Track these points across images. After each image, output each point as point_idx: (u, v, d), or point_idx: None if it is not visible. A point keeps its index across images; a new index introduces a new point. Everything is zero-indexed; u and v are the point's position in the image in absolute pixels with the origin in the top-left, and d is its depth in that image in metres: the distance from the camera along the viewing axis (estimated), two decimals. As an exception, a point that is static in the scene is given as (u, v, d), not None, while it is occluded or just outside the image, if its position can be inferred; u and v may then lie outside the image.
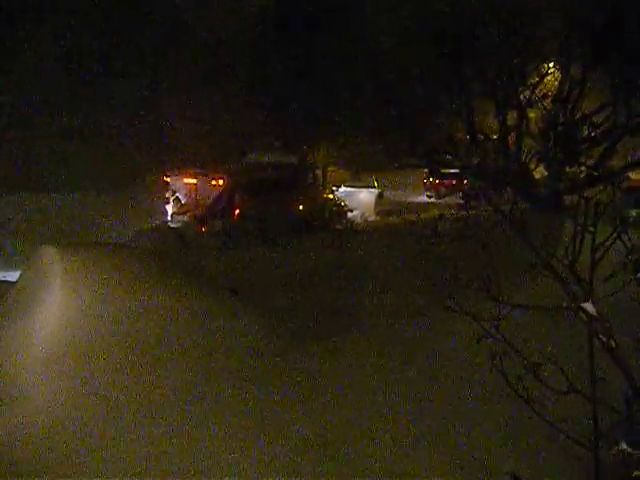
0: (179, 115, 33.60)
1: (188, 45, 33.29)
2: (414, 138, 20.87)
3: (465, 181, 33.85)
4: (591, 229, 4.87)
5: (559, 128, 18.02)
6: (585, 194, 5.21)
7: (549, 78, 18.75)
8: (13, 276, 13.27)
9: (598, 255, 4.88)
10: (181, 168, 27.73)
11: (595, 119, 17.65)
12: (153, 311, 9.50)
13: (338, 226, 24.53)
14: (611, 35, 16.50)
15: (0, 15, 29.51)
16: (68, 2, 31.50)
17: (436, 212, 19.58)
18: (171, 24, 33.13)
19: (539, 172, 19.36)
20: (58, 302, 9.27)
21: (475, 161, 19.63)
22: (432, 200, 36.67)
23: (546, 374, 5.19)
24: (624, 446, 4.96)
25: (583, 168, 18.16)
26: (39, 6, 30.68)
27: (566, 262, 4.96)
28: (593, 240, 4.86)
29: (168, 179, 27.12)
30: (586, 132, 17.81)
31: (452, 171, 34.47)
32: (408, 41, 20.72)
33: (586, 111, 18.01)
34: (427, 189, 38.87)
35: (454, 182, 35.88)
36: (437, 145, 20.65)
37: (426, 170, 37.11)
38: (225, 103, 32.70)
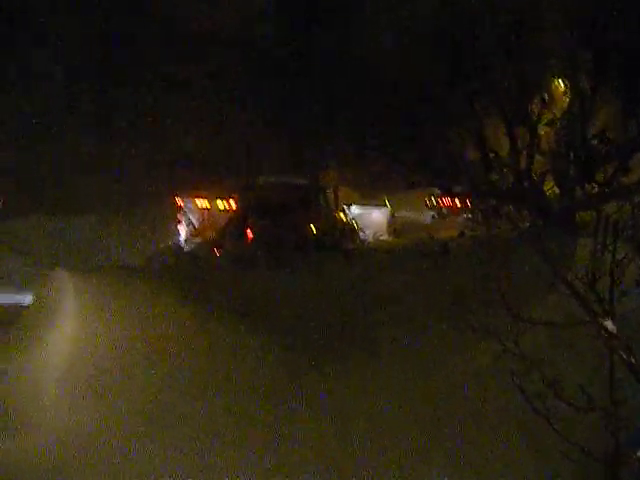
0: (190, 137, 33.70)
1: (199, 66, 33.43)
2: (424, 157, 20.83)
3: (469, 201, 33.85)
4: (610, 247, 4.83)
5: (571, 145, 17.96)
6: (600, 211, 5.16)
7: (559, 93, 18.70)
8: (27, 299, 13.27)
9: (617, 273, 4.84)
10: (193, 190, 27.75)
11: (607, 135, 17.58)
12: (166, 334, 9.49)
13: (350, 246, 24.49)
14: (619, 49, 16.48)
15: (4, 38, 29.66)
16: (73, 27, 31.68)
17: (452, 231, 19.49)
18: (181, 46, 33.28)
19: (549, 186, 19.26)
20: (71, 326, 9.29)
21: (486, 179, 19.58)
22: (442, 218, 36.43)
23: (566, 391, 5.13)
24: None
25: (595, 185, 18.09)
26: (42, 29, 30.86)
27: (585, 280, 4.92)
28: (613, 258, 4.82)
29: (180, 201, 27.14)
30: (599, 148, 17.73)
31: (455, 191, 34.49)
32: (417, 57, 20.72)
33: (598, 127, 17.94)
34: (429, 209, 38.40)
35: (458, 202, 35.87)
36: (447, 164, 20.61)
37: (429, 191, 37.05)
38: (236, 124, 32.79)
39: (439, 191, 35.87)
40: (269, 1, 33.36)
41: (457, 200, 35.04)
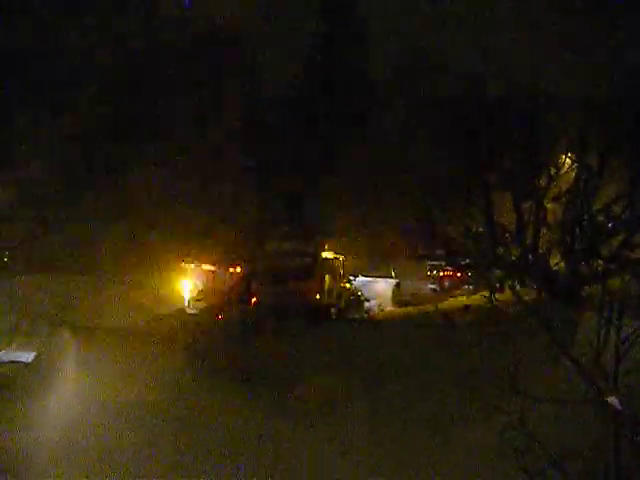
0: (197, 202, 33.92)
1: (204, 134, 33.83)
2: (431, 229, 20.92)
3: (469, 273, 33.90)
4: (616, 323, 4.81)
5: (577, 219, 18.02)
6: (606, 285, 5.15)
7: (566, 168, 18.85)
8: (28, 357, 13.20)
9: (623, 349, 4.81)
10: (200, 256, 27.82)
11: (613, 209, 17.65)
12: (167, 397, 9.43)
13: (355, 316, 24.42)
14: (627, 126, 16.68)
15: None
16: (83, 83, 32.13)
17: (457, 302, 19.44)
18: (188, 118, 33.73)
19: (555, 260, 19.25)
20: (71, 386, 9.23)
21: (493, 252, 19.60)
22: (443, 291, 36.05)
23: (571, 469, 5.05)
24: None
25: (601, 260, 18.09)
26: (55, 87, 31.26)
27: (590, 355, 4.88)
28: (618, 334, 4.79)
29: (186, 265, 27.19)
30: (604, 223, 17.78)
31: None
32: (424, 131, 21.00)
33: (604, 201, 18.02)
34: (431, 281, 37.96)
35: (459, 274, 35.84)
36: (454, 237, 20.69)
37: (429, 262, 37.05)
38: (243, 191, 33.03)
39: (440, 263, 35.99)
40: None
41: (458, 273, 35.17)
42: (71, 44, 31.40)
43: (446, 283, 36.40)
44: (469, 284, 34.13)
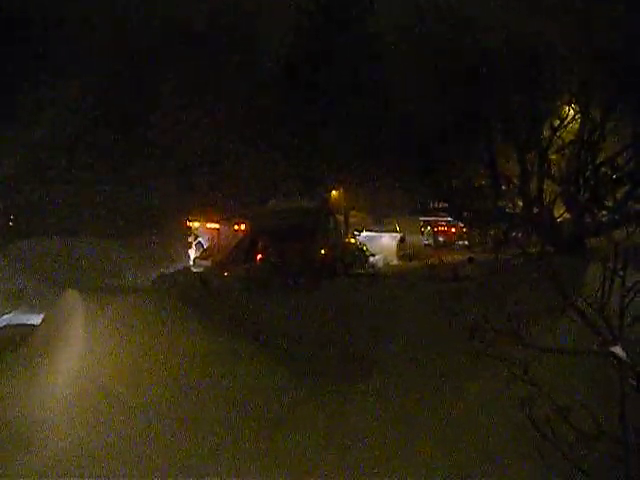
0: (201, 161, 33.92)
1: (209, 91, 33.68)
2: (434, 182, 20.92)
3: (464, 229, 34.07)
4: (620, 273, 4.83)
5: (581, 171, 18.00)
6: (610, 237, 5.18)
7: (570, 119, 18.74)
8: (36, 319, 13.30)
9: (627, 299, 4.83)
10: (203, 213, 27.85)
11: (617, 160, 17.61)
12: (175, 355, 9.50)
13: (360, 271, 24.50)
14: (631, 75, 16.56)
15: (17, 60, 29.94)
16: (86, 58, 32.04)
17: (459, 256, 19.49)
18: (193, 71, 33.56)
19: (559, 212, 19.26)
20: (80, 346, 9.29)
21: (497, 205, 19.61)
22: (438, 246, 35.94)
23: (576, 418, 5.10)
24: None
25: (605, 211, 18.09)
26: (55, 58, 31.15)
27: (595, 306, 4.91)
28: (623, 284, 4.82)
29: (191, 224, 27.24)
30: (609, 174, 17.75)
31: (449, 219, 34.73)
32: (428, 83, 20.85)
33: (608, 153, 17.96)
34: (425, 237, 37.94)
35: (453, 230, 35.93)
36: (458, 189, 20.69)
37: (422, 218, 37.17)
38: (246, 149, 32.97)
39: (434, 218, 36.09)
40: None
41: (452, 228, 35.32)
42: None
43: (440, 238, 36.56)
44: (463, 239, 34.40)
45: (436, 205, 24.79)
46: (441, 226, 36.70)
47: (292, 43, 33.72)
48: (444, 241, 36.07)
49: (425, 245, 36.10)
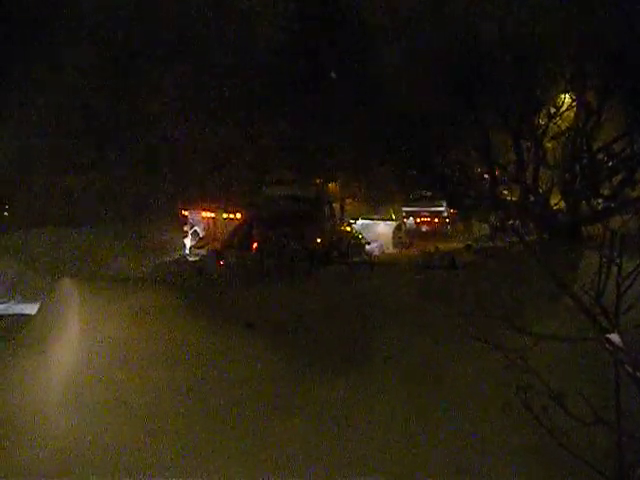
0: (196, 149, 33.85)
1: (203, 78, 33.59)
2: (429, 170, 20.91)
3: (447, 220, 34.04)
4: (617, 261, 4.83)
5: (577, 158, 17.99)
6: (606, 224, 5.19)
7: (565, 107, 18.72)
8: (32, 309, 13.28)
9: (623, 286, 4.84)
10: (199, 201, 27.84)
11: (613, 148, 17.61)
12: (170, 344, 9.50)
13: (356, 259, 24.52)
14: (625, 62, 16.55)
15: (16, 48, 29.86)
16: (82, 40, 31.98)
17: (455, 244, 19.50)
18: (187, 59, 33.44)
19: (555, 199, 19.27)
20: (76, 336, 9.28)
21: (493, 193, 19.62)
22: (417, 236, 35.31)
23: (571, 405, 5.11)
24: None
25: (601, 199, 18.10)
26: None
27: (591, 293, 4.92)
28: (619, 272, 4.82)
29: (186, 212, 27.24)
30: (604, 161, 17.75)
31: (434, 209, 34.69)
32: (422, 71, 20.85)
33: (604, 140, 17.96)
34: (406, 230, 37.00)
35: (436, 220, 35.85)
36: (452, 176, 20.68)
37: (405, 208, 37.06)
38: (241, 136, 32.92)
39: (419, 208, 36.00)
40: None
41: (435, 218, 35.23)
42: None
43: (423, 228, 36.50)
44: (446, 231, 34.41)
45: (429, 194, 24.77)
46: (424, 217, 36.66)
47: (286, 28, 33.69)
48: (427, 231, 35.95)
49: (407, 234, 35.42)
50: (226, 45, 33.69)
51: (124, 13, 33.28)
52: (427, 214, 36.31)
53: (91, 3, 32.36)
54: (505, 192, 20.00)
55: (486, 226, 21.48)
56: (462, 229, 32.98)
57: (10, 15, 29.94)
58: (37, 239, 26.44)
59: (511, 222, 18.33)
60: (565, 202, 18.58)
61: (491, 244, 18.00)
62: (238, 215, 25.22)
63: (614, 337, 4.80)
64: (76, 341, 9.21)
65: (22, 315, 14.94)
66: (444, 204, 34.38)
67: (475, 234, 26.37)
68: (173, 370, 9.04)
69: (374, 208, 38.52)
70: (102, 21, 32.52)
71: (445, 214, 35.77)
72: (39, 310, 10.86)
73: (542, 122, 18.57)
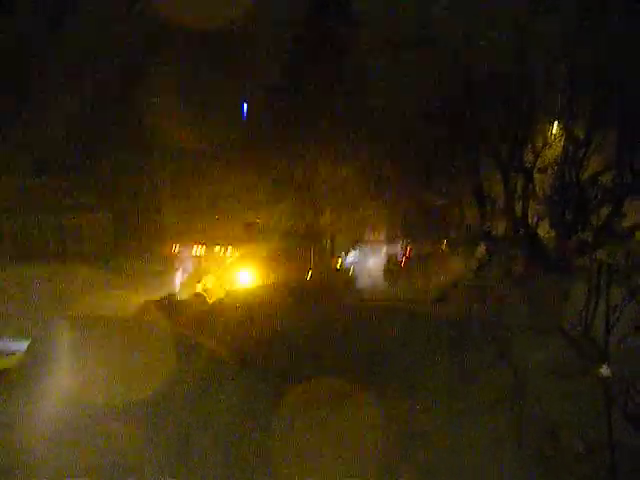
0: (187, 186, 33.78)
1: (195, 115, 33.63)
2: (420, 205, 20.93)
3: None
4: (605, 293, 4.84)
5: (566, 190, 18.04)
6: (594, 256, 5.21)
7: (553, 139, 18.80)
8: (22, 346, 13.19)
9: (612, 319, 4.84)
10: (190, 238, 27.77)
11: (601, 180, 17.67)
12: (161, 379, 9.45)
13: (346, 293, 24.42)
14: (613, 97, 16.68)
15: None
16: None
17: (444, 277, 19.46)
18: (178, 89, 33.47)
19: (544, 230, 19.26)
20: (64, 375, 9.23)
21: (482, 226, 19.63)
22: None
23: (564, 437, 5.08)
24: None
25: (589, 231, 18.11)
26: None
27: (579, 327, 4.92)
28: (607, 304, 4.83)
29: (177, 249, 27.16)
30: (592, 193, 17.79)
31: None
32: (412, 110, 20.95)
33: (592, 171, 18.02)
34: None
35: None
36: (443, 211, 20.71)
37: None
38: (231, 172, 32.89)
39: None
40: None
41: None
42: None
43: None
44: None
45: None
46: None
47: (284, 65, 33.85)
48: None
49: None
50: (222, 83, 33.83)
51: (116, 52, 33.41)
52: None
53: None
54: (492, 226, 19.97)
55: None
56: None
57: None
58: (28, 275, 26.31)
59: (499, 256, 18.33)
60: (554, 234, 18.60)
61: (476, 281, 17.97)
62: (228, 252, 25.18)
63: (604, 370, 4.79)
64: (66, 378, 9.16)
65: (11, 352, 14.82)
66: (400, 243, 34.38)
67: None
68: (164, 406, 8.99)
69: (365, 243, 38.43)
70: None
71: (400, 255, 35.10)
72: (30, 347, 10.80)
73: (530, 155, 18.64)
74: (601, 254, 14.15)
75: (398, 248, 36.69)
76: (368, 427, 8.90)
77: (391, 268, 33.31)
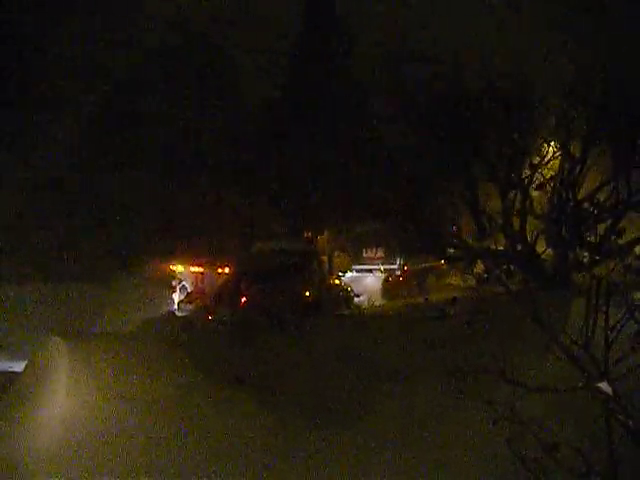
0: (185, 204, 33.85)
1: (193, 136, 33.78)
2: (420, 225, 20.91)
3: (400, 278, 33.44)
4: (604, 309, 4.84)
5: (562, 207, 18.08)
6: (594, 272, 5.21)
7: (550, 156, 18.87)
8: (19, 366, 13.15)
9: (612, 335, 4.84)
10: (189, 257, 27.81)
11: (598, 196, 17.73)
12: (158, 401, 9.42)
13: (345, 312, 24.41)
14: (609, 112, 16.76)
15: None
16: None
17: (444, 294, 19.43)
18: (176, 117, 33.67)
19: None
20: (63, 393, 9.19)
21: (480, 243, 19.64)
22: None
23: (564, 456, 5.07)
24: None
25: (587, 248, 18.12)
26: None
27: (579, 342, 4.91)
28: (606, 321, 4.83)
29: (175, 267, 27.19)
30: (589, 210, 17.82)
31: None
32: (408, 124, 21.01)
33: (588, 188, 18.08)
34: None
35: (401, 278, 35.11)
36: (443, 234, 20.71)
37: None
38: (230, 191, 32.98)
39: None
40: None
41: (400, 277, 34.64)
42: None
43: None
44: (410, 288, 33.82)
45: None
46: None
47: (278, 85, 34.10)
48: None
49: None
50: (216, 105, 34.02)
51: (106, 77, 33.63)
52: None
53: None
54: (490, 243, 19.98)
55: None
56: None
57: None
58: (26, 294, 26.31)
59: (497, 272, 18.31)
60: (552, 251, 18.62)
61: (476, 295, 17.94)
62: (227, 270, 25.19)
63: (604, 386, 4.79)
64: (63, 399, 9.12)
65: (9, 372, 14.78)
66: (397, 261, 34.39)
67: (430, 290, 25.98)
68: (162, 428, 8.95)
69: (363, 260, 38.46)
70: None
71: (398, 272, 35.04)
72: (27, 367, 10.77)
73: (528, 172, 18.69)
74: (599, 270, 14.17)
75: (396, 265, 36.84)
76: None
77: (389, 284, 33.39)
